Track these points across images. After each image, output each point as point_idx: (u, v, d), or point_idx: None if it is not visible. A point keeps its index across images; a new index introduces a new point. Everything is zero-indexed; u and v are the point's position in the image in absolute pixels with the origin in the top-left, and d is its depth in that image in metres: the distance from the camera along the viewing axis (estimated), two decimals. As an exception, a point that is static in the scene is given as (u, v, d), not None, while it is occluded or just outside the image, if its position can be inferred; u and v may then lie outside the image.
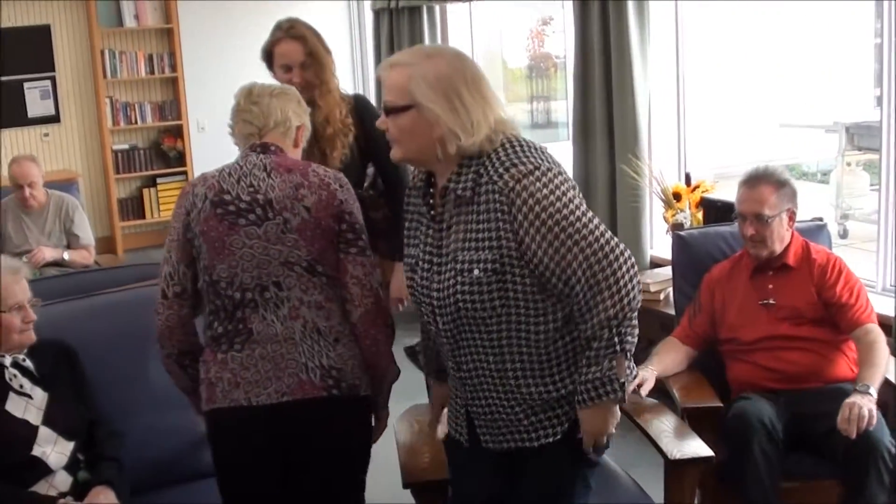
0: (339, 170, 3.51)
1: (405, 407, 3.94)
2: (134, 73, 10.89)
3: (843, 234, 9.62)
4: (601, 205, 7.01)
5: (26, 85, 10.52)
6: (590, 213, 2.72)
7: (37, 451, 3.34)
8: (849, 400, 3.75)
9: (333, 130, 4.21)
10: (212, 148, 10.73)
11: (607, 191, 6.96)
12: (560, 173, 2.73)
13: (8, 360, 3.43)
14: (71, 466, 3.40)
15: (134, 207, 11.20)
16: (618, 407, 2.82)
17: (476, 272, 2.73)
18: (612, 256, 2.67)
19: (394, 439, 3.70)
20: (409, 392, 4.05)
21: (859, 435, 3.67)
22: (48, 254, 6.62)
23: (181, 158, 11.19)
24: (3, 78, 10.34)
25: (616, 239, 2.72)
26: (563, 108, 9.38)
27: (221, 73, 10.62)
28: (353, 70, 11.22)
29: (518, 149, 2.76)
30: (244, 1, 10.63)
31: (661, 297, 6.01)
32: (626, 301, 2.67)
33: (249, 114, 3.32)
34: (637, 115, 6.64)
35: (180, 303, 3.23)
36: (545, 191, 2.67)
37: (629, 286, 2.68)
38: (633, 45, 6.55)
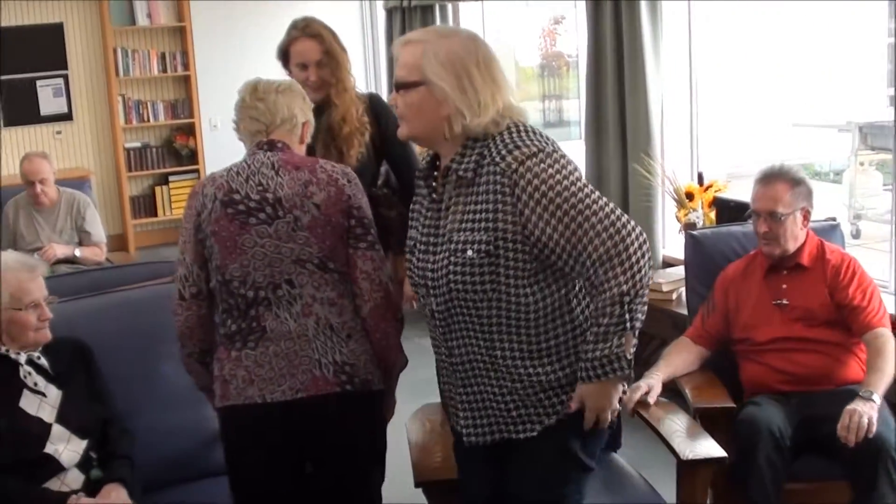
0: (355, 168, 3.53)
1: (417, 406, 3.94)
2: (146, 71, 10.90)
3: (856, 235, 9.60)
4: (613, 204, 6.97)
5: (39, 83, 10.54)
6: (597, 193, 2.72)
7: (49, 448, 3.34)
8: (850, 406, 3.74)
9: (350, 129, 4.21)
10: (224, 146, 10.74)
11: (620, 190, 6.94)
12: (564, 156, 2.74)
13: (23, 358, 3.44)
14: (83, 464, 3.40)
15: (146, 205, 11.21)
16: (621, 384, 2.82)
17: (469, 253, 2.73)
18: (623, 232, 2.67)
19: (405, 438, 3.70)
20: (420, 391, 4.05)
21: (865, 439, 3.67)
22: (59, 251, 6.62)
23: (193, 156, 11.20)
24: (17, 76, 10.36)
25: (626, 216, 2.72)
26: (575, 107, 9.37)
27: (234, 72, 10.56)
28: (365, 69, 11.21)
29: (523, 133, 2.77)
30: (256, 0, 10.63)
31: (674, 296, 6.00)
32: (638, 277, 2.67)
33: (255, 111, 3.33)
34: (650, 115, 6.62)
35: (198, 303, 3.25)
36: (551, 170, 2.68)
37: (641, 262, 2.68)
38: (645, 45, 6.53)
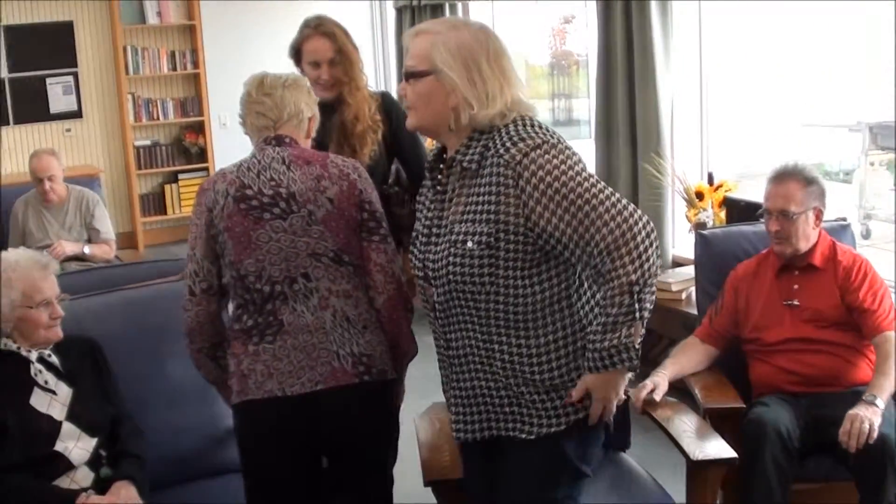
0: (367, 166, 3.55)
1: (427, 405, 3.93)
2: (156, 69, 10.93)
3: (866, 235, 9.57)
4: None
5: (49, 81, 10.58)
6: (602, 183, 2.70)
7: (59, 446, 3.35)
8: (852, 411, 3.73)
9: (363, 127, 4.22)
10: (234, 144, 10.75)
11: (629, 189, 6.93)
12: (568, 147, 2.73)
13: (34, 356, 3.44)
14: (93, 462, 3.41)
15: (155, 203, 11.24)
16: (627, 374, 2.80)
17: (469, 244, 2.72)
18: (630, 221, 2.64)
19: (415, 437, 3.70)
20: (430, 390, 4.05)
21: (872, 440, 3.66)
22: (68, 248, 6.62)
23: (203, 154, 11.22)
24: (27, 74, 10.38)
25: (633, 205, 2.69)
26: (585, 106, 9.36)
27: (243, 70, 10.53)
28: (374, 68, 11.22)
29: (528, 126, 2.76)
30: (266, -1, 10.67)
31: (683, 296, 5.99)
32: (647, 266, 2.64)
33: (262, 106, 3.34)
34: (660, 114, 6.61)
35: (208, 299, 3.26)
36: (555, 161, 2.66)
37: (649, 250, 2.65)
38: (655, 44, 6.52)
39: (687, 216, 6.41)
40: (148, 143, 11.09)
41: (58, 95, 10.63)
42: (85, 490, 3.32)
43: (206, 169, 11.21)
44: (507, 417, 2.86)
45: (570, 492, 2.94)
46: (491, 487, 3.03)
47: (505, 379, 2.83)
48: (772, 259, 4.25)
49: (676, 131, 6.76)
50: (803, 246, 4.13)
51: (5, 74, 10.33)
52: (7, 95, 10.36)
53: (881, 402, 3.76)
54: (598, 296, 2.79)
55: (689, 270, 5.75)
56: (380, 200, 3.41)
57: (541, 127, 2.77)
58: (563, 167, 2.66)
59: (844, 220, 4.75)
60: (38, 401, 3.39)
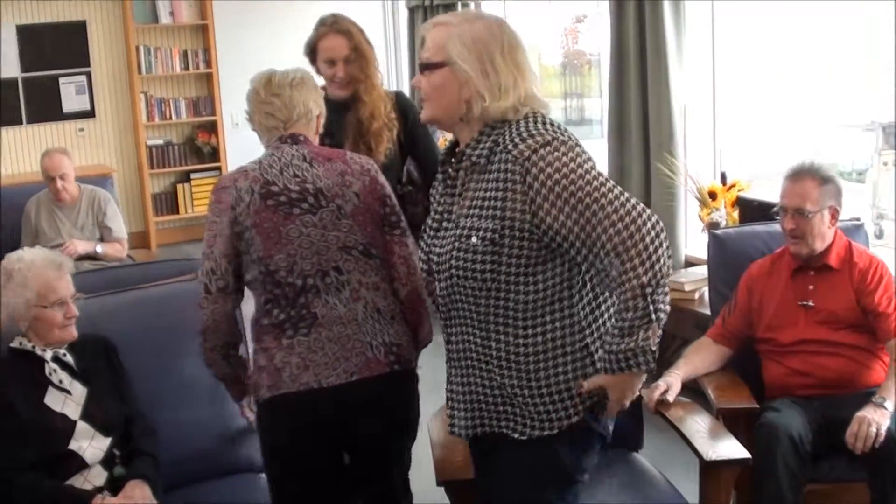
0: (382, 164, 3.57)
1: (439, 405, 3.93)
2: (169, 68, 10.94)
3: (879, 234, 9.53)
4: (635, 203, 6.95)
5: (62, 80, 10.61)
6: (612, 182, 2.66)
7: (73, 445, 3.36)
8: (860, 413, 3.73)
9: (379, 125, 4.23)
10: (246, 143, 10.76)
11: (642, 189, 6.92)
12: (578, 145, 2.70)
13: (49, 355, 3.45)
14: (107, 461, 3.42)
15: (168, 202, 11.25)
16: (644, 375, 2.78)
17: (474, 239, 2.71)
18: (639, 221, 2.60)
19: (427, 437, 3.69)
20: (442, 390, 4.04)
21: (885, 441, 3.66)
22: (80, 247, 6.63)
23: (215, 154, 11.24)
24: (40, 73, 10.41)
25: (642, 204, 2.65)
26: (597, 106, 9.34)
27: (256, 70, 10.58)
28: (387, 67, 11.22)
29: (539, 122, 2.74)
30: (278, -2, 10.69)
31: (696, 296, 5.97)
32: (658, 267, 2.60)
33: (271, 106, 3.37)
34: (672, 114, 6.60)
35: (224, 297, 3.26)
36: (564, 159, 2.63)
37: (660, 251, 2.61)
38: (668, 44, 6.51)
39: (700, 216, 6.40)
40: (160, 142, 11.11)
41: (71, 95, 10.66)
42: (99, 490, 3.35)
43: (219, 168, 11.22)
44: (501, 416, 2.84)
45: (562, 495, 2.90)
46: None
47: (500, 378, 2.81)
48: (787, 258, 4.22)
49: (689, 131, 6.75)
50: (818, 245, 4.09)
51: (18, 74, 10.36)
52: (20, 95, 10.39)
53: (890, 405, 3.75)
54: (604, 299, 2.78)
55: (702, 270, 5.74)
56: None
57: (552, 124, 2.75)
58: (571, 165, 2.63)
59: (858, 219, 4.73)
60: (53, 400, 3.40)
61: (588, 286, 2.78)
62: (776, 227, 4.36)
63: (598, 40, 8.52)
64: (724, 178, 6.41)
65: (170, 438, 3.66)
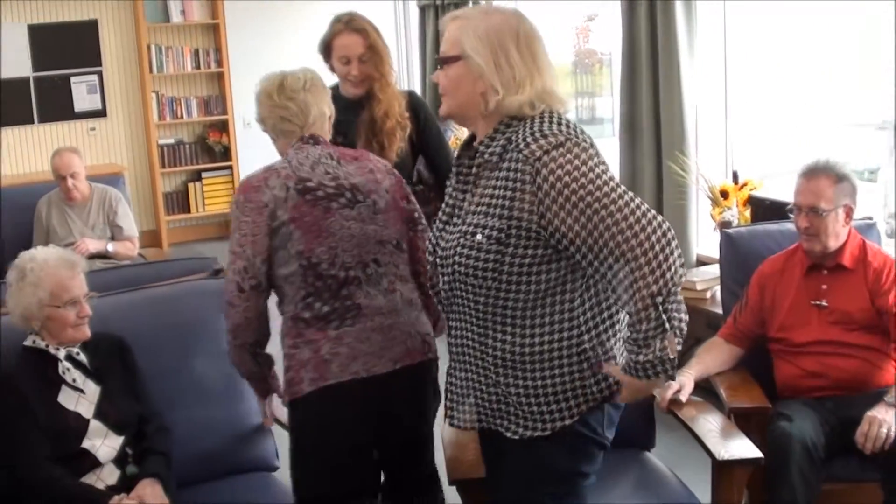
0: (395, 164, 3.61)
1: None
2: (180, 68, 10.96)
3: (891, 234, 9.49)
4: (647, 202, 6.85)
5: (73, 79, 10.63)
6: (623, 188, 2.61)
7: (87, 443, 3.37)
8: (871, 413, 3.72)
9: (393, 124, 4.24)
10: (257, 143, 10.78)
11: (654, 188, 6.91)
12: (591, 147, 2.67)
13: (62, 354, 3.46)
14: (119, 460, 3.43)
15: (179, 201, 11.27)
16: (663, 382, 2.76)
17: (479, 237, 2.69)
18: (649, 228, 2.55)
19: (439, 435, 3.69)
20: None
21: (886, 448, 3.65)
22: (92, 246, 6.64)
23: (226, 153, 11.25)
24: (51, 73, 10.43)
25: (653, 211, 2.60)
26: (608, 105, 9.33)
27: (267, 69, 10.59)
28: (398, 66, 11.21)
29: (554, 122, 2.71)
30: (289, -2, 10.70)
31: (708, 295, 5.96)
32: (668, 275, 2.54)
33: (287, 111, 3.39)
34: (684, 113, 6.59)
35: (257, 295, 3.29)
36: (576, 161, 2.60)
37: (671, 259, 2.55)
38: (680, 43, 6.50)
39: (711, 215, 6.39)
40: (172, 141, 11.13)
41: (82, 94, 10.68)
42: (111, 488, 3.35)
43: (230, 168, 11.24)
44: (496, 413, 2.83)
45: (560, 496, 2.87)
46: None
47: (495, 376, 2.79)
48: (799, 256, 4.18)
49: (701, 130, 6.74)
50: (832, 244, 4.05)
51: (30, 73, 10.39)
52: (32, 94, 10.41)
53: None
54: (607, 306, 2.75)
55: (714, 269, 5.74)
56: None
57: (567, 125, 2.72)
58: (583, 168, 2.60)
59: (870, 218, 4.71)
60: (66, 398, 3.41)
61: (591, 291, 2.75)
62: (788, 226, 4.34)
63: (609, 39, 8.51)
64: (735, 176, 6.40)
65: (182, 437, 3.66)
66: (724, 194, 6.26)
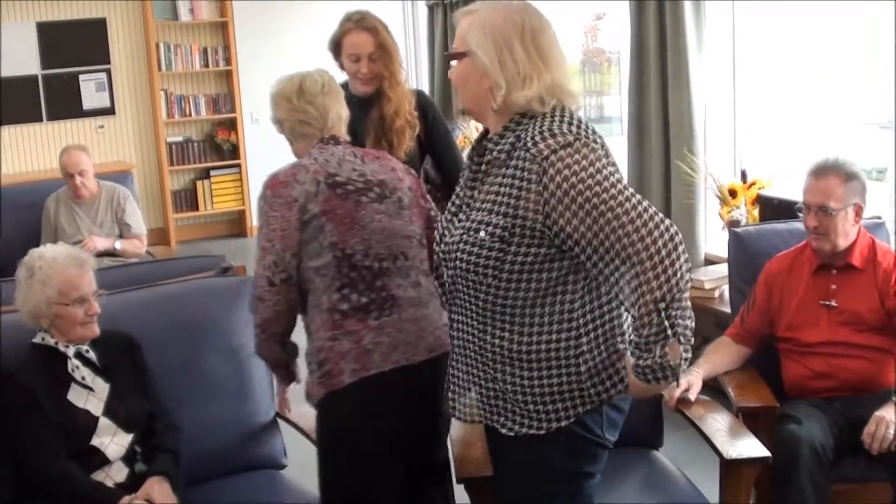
0: (403, 162, 3.61)
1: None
2: (188, 66, 10.97)
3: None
4: (655, 201, 6.96)
5: (82, 77, 10.65)
6: (631, 190, 2.59)
7: (95, 441, 3.38)
8: (878, 413, 3.71)
9: (402, 122, 4.24)
10: (265, 140, 10.80)
11: (662, 187, 6.91)
12: (599, 149, 2.64)
13: (71, 351, 3.47)
14: (128, 458, 3.43)
15: (187, 199, 11.28)
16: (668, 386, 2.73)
17: (482, 234, 2.68)
18: (656, 233, 2.52)
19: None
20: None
21: (892, 448, 3.65)
22: (100, 243, 6.64)
23: (235, 151, 11.26)
24: (60, 70, 10.45)
25: (661, 215, 2.57)
26: (616, 104, 9.32)
27: (275, 67, 10.60)
28: (406, 65, 11.20)
29: (564, 121, 2.68)
30: (298, -4, 10.71)
31: (716, 294, 5.96)
32: (673, 281, 2.51)
33: (307, 115, 3.44)
34: (692, 112, 6.59)
35: (288, 288, 3.33)
36: (584, 162, 2.57)
37: (676, 265, 2.52)
38: (689, 42, 6.50)
39: (720, 214, 6.39)
40: (180, 139, 11.14)
41: (91, 92, 10.70)
42: (120, 486, 3.36)
43: (239, 165, 11.25)
44: (494, 410, 2.81)
45: (563, 496, 2.86)
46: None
47: (493, 372, 2.78)
48: (808, 254, 4.14)
49: (709, 129, 6.73)
50: (842, 243, 4.01)
51: (39, 71, 10.41)
52: (40, 92, 10.43)
53: None
54: (609, 309, 2.74)
55: (722, 269, 5.72)
56: None
57: (578, 124, 2.69)
58: (590, 169, 2.57)
59: (879, 218, 4.70)
60: (76, 396, 3.42)
61: (594, 293, 2.73)
62: (797, 224, 4.33)
63: (617, 38, 8.50)
64: (744, 175, 6.39)
65: (190, 434, 3.66)
66: (733, 193, 6.26)
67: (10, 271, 3.59)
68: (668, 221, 2.56)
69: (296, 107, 3.44)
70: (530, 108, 2.70)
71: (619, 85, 8.94)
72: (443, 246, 2.84)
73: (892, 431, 3.64)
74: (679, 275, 2.53)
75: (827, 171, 4.02)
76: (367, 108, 4.30)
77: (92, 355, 3.50)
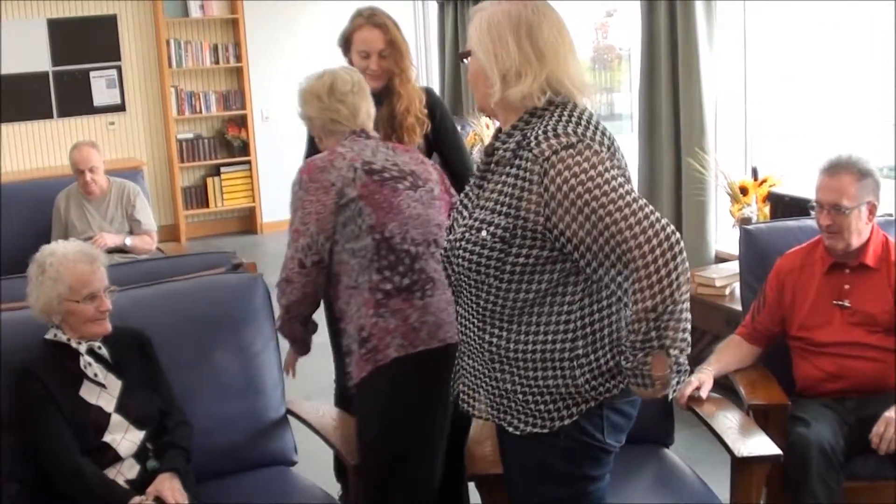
0: None
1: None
2: (199, 62, 10.98)
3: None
4: (666, 198, 6.97)
5: (92, 74, 10.66)
6: (634, 194, 2.53)
7: (107, 438, 3.38)
8: (888, 414, 3.70)
9: (413, 120, 4.24)
10: (275, 137, 10.87)
11: (673, 184, 6.91)
12: (603, 151, 2.60)
13: (83, 348, 3.46)
14: (140, 455, 3.43)
15: (198, 196, 11.29)
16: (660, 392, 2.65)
17: (483, 233, 2.66)
18: (654, 241, 2.46)
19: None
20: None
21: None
22: (110, 240, 6.64)
23: (245, 148, 11.27)
24: (70, 67, 10.48)
25: (664, 221, 2.51)
26: (627, 101, 9.31)
27: (285, 64, 10.70)
28: (416, 62, 11.20)
29: (572, 120, 2.65)
30: (308, -7, 10.72)
31: (727, 291, 5.95)
32: (667, 292, 2.46)
33: (338, 114, 3.56)
34: (703, 109, 6.58)
35: (317, 270, 3.47)
36: (585, 164, 2.53)
37: (672, 275, 2.46)
38: (700, 39, 6.50)
39: (731, 211, 6.38)
40: (190, 136, 11.15)
41: (101, 89, 10.72)
42: (131, 483, 3.36)
43: (249, 162, 11.26)
44: (500, 408, 2.80)
45: (566, 498, 2.84)
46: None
47: (495, 371, 2.78)
48: (820, 252, 4.09)
49: (720, 126, 6.73)
50: (856, 241, 3.96)
51: (49, 68, 10.43)
52: (51, 89, 10.45)
53: None
54: (609, 313, 2.70)
55: (733, 266, 5.72)
56: None
57: (587, 124, 2.66)
58: (591, 172, 2.53)
59: (891, 215, 4.68)
60: (88, 392, 3.42)
61: (593, 297, 2.69)
62: (808, 222, 4.31)
63: (628, 35, 8.49)
64: (755, 172, 6.38)
65: (201, 431, 3.66)
66: (744, 190, 6.25)
67: (21, 268, 3.59)
68: (669, 229, 2.50)
69: (327, 105, 3.55)
70: (527, 104, 2.68)
71: (629, 82, 8.93)
72: (447, 244, 2.82)
73: None
74: (674, 286, 2.47)
75: (840, 169, 3.96)
76: (377, 104, 4.30)
77: (104, 352, 3.50)
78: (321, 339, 4.26)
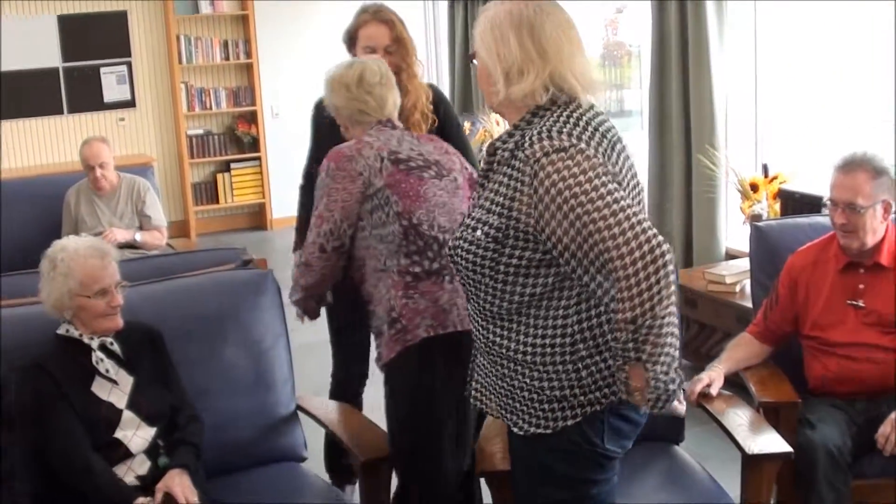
0: None
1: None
2: (209, 59, 10.99)
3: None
4: (677, 195, 6.96)
5: (103, 70, 10.67)
6: (622, 203, 2.47)
7: (119, 434, 3.38)
8: (894, 415, 3.69)
9: (419, 116, 4.24)
10: (285, 133, 10.88)
11: (683, 181, 6.91)
12: (597, 157, 2.55)
13: (95, 343, 3.46)
14: (151, 451, 3.43)
15: (208, 192, 11.30)
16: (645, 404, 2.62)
17: (478, 233, 2.66)
18: (637, 253, 2.42)
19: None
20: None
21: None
22: (120, 235, 6.65)
23: (255, 144, 11.27)
24: (81, 63, 10.49)
25: (652, 233, 2.45)
26: (637, 97, 9.31)
27: (295, 60, 10.71)
28: (426, 60, 11.20)
29: (571, 121, 2.62)
30: (318, -11, 10.70)
31: (737, 288, 5.93)
32: (647, 306, 2.41)
33: (366, 105, 3.63)
34: (714, 106, 6.58)
35: (337, 255, 3.56)
36: (575, 169, 2.50)
37: (654, 288, 2.41)
38: (710, 36, 6.49)
39: (741, 208, 6.37)
40: (200, 132, 11.16)
41: (111, 85, 10.73)
42: (142, 479, 3.37)
43: (259, 158, 11.27)
44: (507, 407, 2.79)
45: (564, 493, 2.82)
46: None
47: (500, 369, 2.77)
48: (834, 250, 4.05)
49: (731, 123, 6.72)
50: (870, 240, 3.91)
51: (60, 63, 10.44)
52: (61, 84, 10.47)
53: None
54: (607, 318, 2.66)
55: (744, 263, 5.71)
56: None
57: (585, 127, 2.62)
58: (580, 177, 2.49)
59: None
60: (100, 388, 3.42)
61: (590, 301, 2.66)
62: (819, 219, 4.30)
63: (638, 31, 8.49)
64: (765, 170, 6.37)
65: (212, 426, 3.66)
66: (754, 187, 6.25)
67: (31, 263, 3.60)
68: (656, 241, 2.44)
69: (355, 95, 3.61)
70: (529, 102, 2.67)
71: (639, 79, 8.93)
72: (449, 243, 2.83)
73: None
74: (655, 300, 2.42)
75: (855, 167, 3.90)
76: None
77: (116, 348, 3.50)
78: (323, 337, 4.27)
